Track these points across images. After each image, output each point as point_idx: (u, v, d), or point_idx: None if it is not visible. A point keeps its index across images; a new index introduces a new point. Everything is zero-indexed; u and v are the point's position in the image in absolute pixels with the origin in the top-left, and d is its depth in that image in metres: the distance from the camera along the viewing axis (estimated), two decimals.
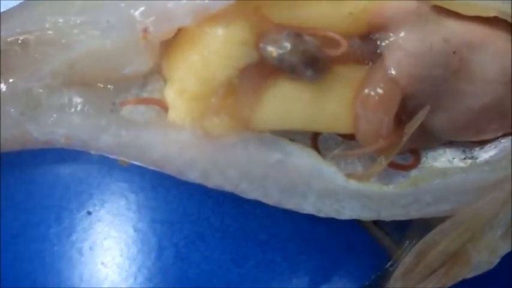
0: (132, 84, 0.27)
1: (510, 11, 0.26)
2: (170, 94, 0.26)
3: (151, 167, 0.27)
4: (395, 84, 0.26)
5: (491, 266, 0.28)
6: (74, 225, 0.32)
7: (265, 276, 0.32)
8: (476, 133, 0.28)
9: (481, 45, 0.26)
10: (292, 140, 0.27)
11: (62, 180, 0.32)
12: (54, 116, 0.26)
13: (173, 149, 0.26)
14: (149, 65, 0.26)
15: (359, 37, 0.26)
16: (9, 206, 0.31)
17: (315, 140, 0.28)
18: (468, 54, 0.26)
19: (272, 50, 0.24)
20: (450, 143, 0.29)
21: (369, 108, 0.26)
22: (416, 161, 0.29)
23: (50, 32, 0.26)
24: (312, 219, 0.28)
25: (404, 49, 0.26)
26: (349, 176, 0.27)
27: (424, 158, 0.29)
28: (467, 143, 0.29)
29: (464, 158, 0.29)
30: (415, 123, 0.26)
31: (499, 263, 0.28)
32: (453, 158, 0.29)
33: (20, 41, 0.26)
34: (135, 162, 0.27)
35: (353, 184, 0.27)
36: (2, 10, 0.27)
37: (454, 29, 0.26)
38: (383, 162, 0.27)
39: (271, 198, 0.27)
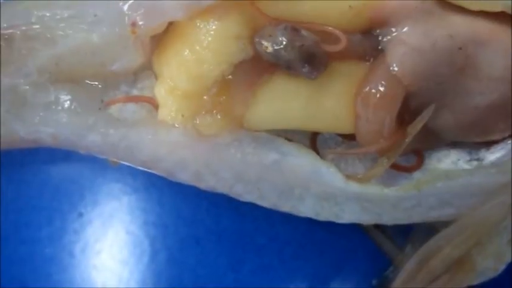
0: (121, 81, 0.26)
1: None
2: (160, 92, 0.25)
3: (141, 168, 0.26)
4: (398, 81, 0.25)
5: (496, 273, 0.28)
6: (65, 227, 0.31)
7: (261, 281, 0.31)
8: (482, 133, 0.27)
9: (487, 42, 0.25)
10: (289, 140, 0.26)
11: (52, 181, 0.31)
12: (41, 114, 0.26)
13: (163, 149, 0.25)
14: (139, 61, 0.25)
15: (359, 32, 0.25)
16: None
17: (313, 141, 0.28)
18: (474, 51, 0.25)
19: (267, 45, 0.23)
20: (454, 144, 0.29)
21: (370, 106, 0.25)
22: (420, 163, 0.28)
23: (36, 26, 0.25)
24: (310, 222, 0.27)
25: (407, 45, 0.25)
26: (349, 177, 0.26)
27: (428, 160, 0.29)
28: (473, 144, 0.28)
29: (470, 160, 0.29)
30: (419, 123, 0.25)
31: None
32: (458, 160, 0.29)
33: (5, 36, 0.25)
34: (125, 163, 0.26)
35: (353, 186, 0.26)
36: None
37: (459, 24, 0.25)
38: (385, 163, 0.26)
39: (267, 201, 0.26)
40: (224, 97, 0.24)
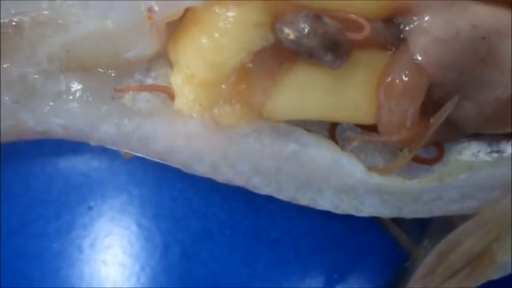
0: (135, 69, 0.26)
1: None
2: (177, 80, 0.24)
3: (155, 160, 0.26)
4: (422, 71, 0.24)
5: None
6: (73, 221, 0.31)
7: (276, 275, 0.30)
8: (504, 125, 0.27)
9: (510, 32, 0.25)
10: (308, 131, 0.26)
11: (61, 174, 0.31)
12: (51, 104, 0.25)
13: (179, 140, 0.25)
14: (154, 48, 0.25)
15: (381, 21, 0.25)
16: (6, 201, 0.30)
17: (332, 131, 0.27)
18: (496, 42, 0.25)
19: (289, 32, 0.23)
20: (475, 136, 0.28)
21: (393, 96, 0.24)
22: (441, 155, 0.28)
23: (46, 12, 0.24)
24: (326, 215, 0.27)
25: (430, 34, 0.24)
26: (370, 168, 0.25)
27: (448, 152, 0.28)
28: (493, 136, 0.28)
29: (490, 152, 0.28)
30: (443, 114, 0.25)
31: None
32: (478, 152, 0.28)
33: (14, 23, 0.25)
34: (138, 154, 0.26)
35: (374, 178, 0.25)
36: None
37: (481, 14, 0.25)
38: (407, 155, 0.25)
39: (285, 194, 0.26)
40: (243, 86, 0.24)
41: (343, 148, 0.26)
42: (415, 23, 0.25)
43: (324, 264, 0.31)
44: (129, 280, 0.30)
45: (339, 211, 0.26)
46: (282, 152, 0.25)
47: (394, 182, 0.26)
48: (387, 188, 0.26)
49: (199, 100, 0.24)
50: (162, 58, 0.26)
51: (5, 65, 0.25)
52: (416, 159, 0.27)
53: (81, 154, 0.31)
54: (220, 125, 0.24)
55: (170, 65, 0.26)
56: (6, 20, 0.25)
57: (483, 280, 0.27)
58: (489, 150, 0.28)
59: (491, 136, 0.28)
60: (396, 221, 0.31)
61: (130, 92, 0.25)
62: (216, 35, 0.23)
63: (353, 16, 0.23)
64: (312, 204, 0.26)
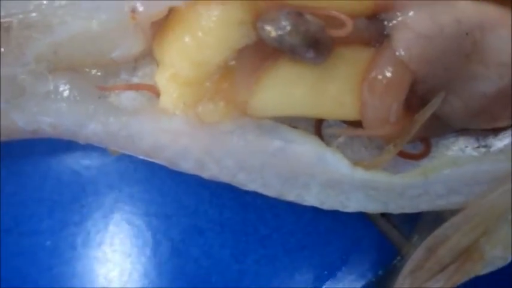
0: (121, 68, 0.26)
1: None
2: (162, 79, 0.24)
3: (142, 157, 0.26)
4: (405, 67, 0.24)
5: (506, 262, 0.27)
6: (66, 218, 0.31)
7: (266, 272, 0.31)
8: (490, 120, 0.27)
9: (495, 27, 0.25)
10: (294, 127, 0.26)
11: (53, 172, 0.31)
12: (40, 103, 0.25)
13: (165, 138, 0.25)
14: (139, 48, 0.25)
15: (364, 17, 0.25)
16: None
17: (318, 128, 0.27)
18: (481, 36, 0.25)
19: (271, 30, 0.23)
20: (462, 131, 0.28)
21: (376, 93, 0.24)
22: (427, 150, 0.28)
23: (33, 14, 0.24)
24: (315, 211, 0.27)
25: (413, 30, 0.24)
26: (355, 163, 0.25)
27: (435, 147, 0.28)
28: (481, 131, 0.28)
29: (478, 147, 0.28)
30: (428, 111, 0.25)
31: None
32: (466, 147, 0.28)
33: (5, 25, 0.25)
34: (126, 152, 0.26)
35: (359, 173, 0.25)
36: None
37: (465, 9, 0.25)
38: (392, 150, 0.25)
39: (271, 190, 0.26)
40: (227, 84, 0.24)
41: (329, 144, 0.26)
42: (399, 19, 0.24)
43: (314, 261, 0.31)
44: (121, 276, 0.31)
45: (325, 207, 0.26)
46: (267, 148, 0.25)
47: (379, 177, 0.26)
48: (372, 183, 0.26)
49: (183, 98, 0.24)
50: (149, 57, 0.26)
51: None
52: (403, 155, 0.27)
53: (73, 153, 0.31)
54: (204, 122, 0.24)
55: (156, 64, 0.26)
56: None
57: (472, 275, 0.27)
58: (477, 145, 0.28)
59: (478, 131, 0.28)
60: (385, 215, 0.31)
61: (117, 91, 0.25)
62: (200, 34, 0.23)
63: (334, 13, 0.23)
64: (299, 200, 0.26)
